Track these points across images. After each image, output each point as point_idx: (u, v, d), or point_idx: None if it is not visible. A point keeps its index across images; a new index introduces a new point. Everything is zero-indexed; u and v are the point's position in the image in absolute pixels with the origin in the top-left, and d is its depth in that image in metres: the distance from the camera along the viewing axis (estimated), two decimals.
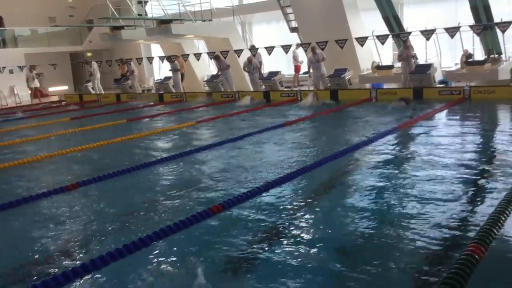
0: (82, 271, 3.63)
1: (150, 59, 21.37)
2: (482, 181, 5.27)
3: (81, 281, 3.53)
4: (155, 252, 3.95)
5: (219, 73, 17.96)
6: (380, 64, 16.05)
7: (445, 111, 10.85)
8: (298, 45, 17.30)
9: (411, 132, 8.66)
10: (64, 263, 3.93)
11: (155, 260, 3.82)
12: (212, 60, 18.72)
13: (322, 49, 15.09)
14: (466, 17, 14.25)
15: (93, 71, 21.29)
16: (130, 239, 4.06)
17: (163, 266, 3.74)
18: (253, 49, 17.64)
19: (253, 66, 16.88)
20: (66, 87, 26.07)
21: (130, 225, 4.74)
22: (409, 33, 14.61)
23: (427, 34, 13.63)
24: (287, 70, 19.57)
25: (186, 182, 6.19)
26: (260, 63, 17.74)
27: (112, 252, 3.83)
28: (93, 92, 21.18)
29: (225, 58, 17.42)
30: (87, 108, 17.88)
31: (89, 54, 26.79)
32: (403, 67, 14.56)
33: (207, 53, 18.86)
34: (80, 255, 4.07)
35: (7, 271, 3.86)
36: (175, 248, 4.04)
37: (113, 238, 4.39)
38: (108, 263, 3.71)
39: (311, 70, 15.81)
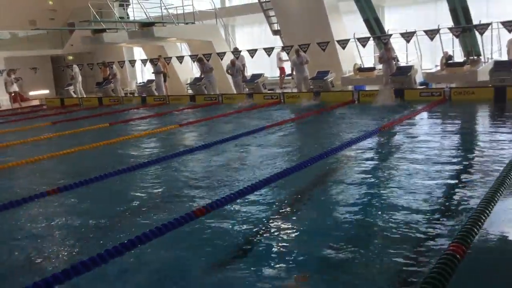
0: (63, 277, 3.58)
1: (132, 62, 21.24)
2: (462, 180, 5.35)
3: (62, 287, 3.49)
4: (138, 256, 3.92)
5: (202, 76, 17.92)
6: (362, 66, 16.19)
7: (426, 112, 10.99)
8: (282, 48, 17.32)
9: (393, 132, 8.74)
10: (45, 268, 3.87)
11: (136, 264, 3.79)
12: (195, 62, 18.67)
13: (305, 52, 15.18)
14: (445, 20, 14.47)
15: (74, 74, 21.06)
16: (114, 242, 4.03)
17: (145, 270, 3.71)
18: (236, 52, 17.65)
19: (236, 68, 16.88)
20: (47, 91, 25.74)
21: (113, 229, 4.70)
22: (390, 35, 14.78)
23: (407, 36, 13.83)
24: (270, 72, 19.61)
25: (169, 185, 6.17)
26: (244, 65, 17.75)
27: (95, 256, 3.80)
28: (74, 96, 20.95)
29: (208, 61, 17.39)
30: (68, 112, 17.66)
31: (70, 57, 26.49)
32: (384, 69, 14.72)
33: (190, 55, 18.82)
34: (62, 260, 4.02)
35: None
36: (160, 251, 4.01)
37: (96, 242, 4.34)
38: (90, 268, 3.67)
39: (294, 73, 15.88)
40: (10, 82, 21.16)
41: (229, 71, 17.20)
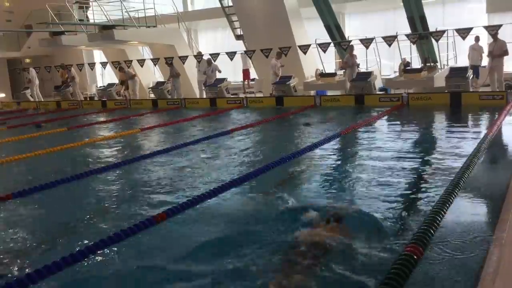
0: (17, 285, 3.45)
1: (92, 65, 20.78)
2: (418, 182, 5.47)
3: None
4: (97, 262, 3.82)
5: (168, 81, 17.72)
6: (324, 72, 16.41)
7: (385, 116, 11.22)
8: (245, 53, 17.27)
9: (353, 136, 8.87)
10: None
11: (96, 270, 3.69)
12: (156, 66, 18.46)
13: (266, 56, 15.30)
14: (404, 27, 14.87)
15: (31, 78, 20.43)
16: (71, 249, 3.91)
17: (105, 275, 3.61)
18: (199, 56, 17.56)
19: (212, 68, 16.85)
20: (3, 95, 24.86)
21: (70, 235, 4.56)
22: (350, 41, 15.06)
23: (366, 42, 14.13)
24: (233, 77, 19.60)
25: (129, 190, 6.04)
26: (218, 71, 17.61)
27: (53, 263, 3.68)
28: (32, 99, 20.32)
29: (171, 64, 17.26)
30: (24, 116, 17.11)
31: (28, 60, 25.70)
32: (348, 74, 14.97)
33: (152, 59, 18.60)
34: (20, 265, 3.88)
35: None
36: (119, 258, 3.92)
37: (54, 249, 4.20)
38: (47, 275, 3.56)
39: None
40: None
41: (201, 70, 17.11)
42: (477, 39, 14.26)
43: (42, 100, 20.48)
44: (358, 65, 15.34)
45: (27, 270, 3.73)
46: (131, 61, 18.68)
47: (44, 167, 7.72)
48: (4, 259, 4.08)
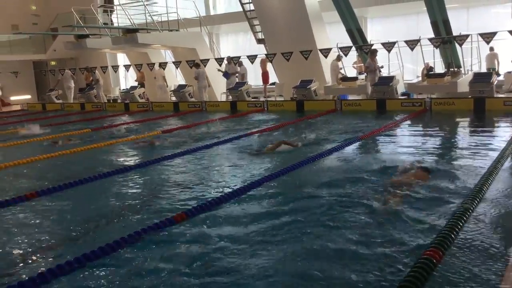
0: (40, 280, 3.55)
1: (115, 68, 21.13)
2: (440, 187, 5.40)
3: None
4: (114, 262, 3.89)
5: (195, 81, 17.97)
6: (345, 76, 16.35)
7: (407, 121, 11.13)
8: (266, 56, 17.30)
9: (373, 141, 8.82)
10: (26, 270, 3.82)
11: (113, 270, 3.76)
12: (178, 69, 18.63)
13: (287, 60, 15.32)
14: (427, 32, 14.73)
15: (98, 78, 20.62)
16: (92, 246, 4.00)
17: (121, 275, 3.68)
18: (233, 58, 17.62)
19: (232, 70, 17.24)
20: (29, 96, 25.44)
21: (92, 233, 4.65)
22: (371, 45, 14.99)
23: (388, 46, 14.03)
24: (254, 81, 19.67)
25: (152, 189, 6.14)
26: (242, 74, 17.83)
27: (75, 259, 3.77)
28: (96, 100, 20.54)
29: (191, 68, 17.45)
30: (50, 117, 17.46)
31: (53, 62, 26.25)
32: (370, 79, 14.90)
33: (174, 62, 18.80)
34: (42, 262, 3.97)
35: None
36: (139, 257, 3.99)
37: (76, 246, 4.30)
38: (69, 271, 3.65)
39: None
40: None
41: (226, 70, 17.54)
42: (491, 49, 15.32)
43: (106, 100, 20.80)
44: (379, 69, 15.24)
45: (46, 267, 3.82)
46: (154, 63, 18.90)
47: (69, 167, 7.88)
48: (28, 256, 4.19)
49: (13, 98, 24.47)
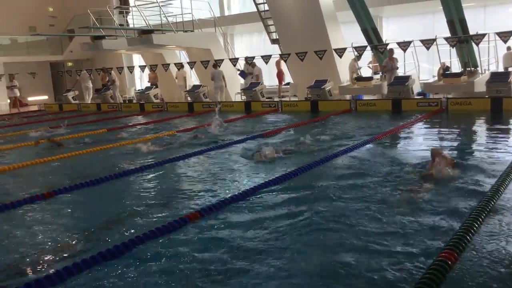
0: (57, 278, 3.60)
1: (131, 68, 21.32)
2: (456, 188, 5.35)
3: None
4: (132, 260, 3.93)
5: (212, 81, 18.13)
6: (360, 76, 16.26)
7: (423, 121, 11.03)
8: (280, 56, 17.31)
9: (389, 141, 8.76)
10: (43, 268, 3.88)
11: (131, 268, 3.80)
12: (193, 70, 18.71)
13: (302, 60, 15.27)
14: (444, 31, 14.58)
15: (114, 79, 20.90)
16: (109, 244, 4.05)
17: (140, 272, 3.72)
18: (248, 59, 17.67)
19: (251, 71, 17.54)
20: (46, 97, 25.78)
21: (109, 231, 4.70)
22: (387, 44, 14.88)
23: (404, 45, 13.91)
24: (268, 81, 19.68)
25: (166, 189, 6.19)
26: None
27: (91, 258, 3.82)
28: (111, 100, 20.81)
29: (205, 68, 17.50)
30: (67, 117, 17.68)
31: (70, 63, 26.57)
32: (388, 78, 14.80)
33: (188, 62, 18.90)
34: (58, 261, 4.03)
35: None
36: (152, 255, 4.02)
37: (91, 244, 4.35)
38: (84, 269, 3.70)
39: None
40: (11, 88, 21.38)
41: (244, 70, 17.75)
42: (508, 48, 15.11)
43: (122, 101, 21.06)
44: (397, 68, 15.11)
45: (62, 265, 3.88)
46: (169, 64, 19.02)
47: (86, 167, 7.97)
48: (45, 254, 4.25)
49: (30, 98, 24.83)
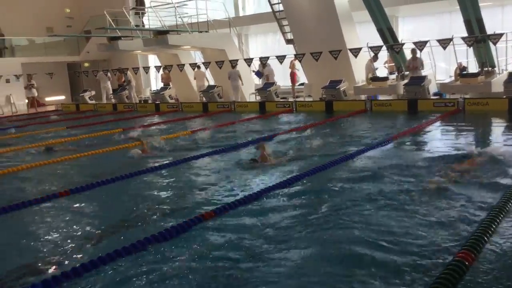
0: (73, 274, 3.65)
1: (146, 69, 21.47)
2: (472, 188, 5.30)
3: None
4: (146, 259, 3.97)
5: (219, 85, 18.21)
6: (375, 76, 16.15)
7: (439, 122, 10.93)
8: (295, 57, 17.29)
9: (404, 142, 8.69)
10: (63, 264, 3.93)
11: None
12: (208, 70, 18.78)
13: (316, 60, 15.22)
14: (460, 31, 14.40)
15: (130, 79, 21.22)
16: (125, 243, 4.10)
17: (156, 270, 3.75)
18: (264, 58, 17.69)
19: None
20: (63, 97, 26.10)
21: (126, 230, 4.75)
22: (403, 44, 14.76)
23: (420, 45, 13.78)
24: (283, 81, 19.65)
25: (181, 187, 6.24)
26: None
27: (107, 255, 3.87)
28: (127, 101, 21.05)
29: (220, 68, 17.56)
30: (84, 117, 17.89)
31: (86, 64, 26.85)
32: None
33: (204, 63, 18.96)
34: (76, 256, 4.09)
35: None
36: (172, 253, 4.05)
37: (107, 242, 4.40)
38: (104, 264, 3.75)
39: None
40: (29, 88, 21.73)
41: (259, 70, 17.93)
42: None
43: (138, 101, 21.26)
44: (422, 67, 14.91)
45: (80, 261, 3.94)
46: (183, 65, 19.11)
47: (101, 166, 8.06)
48: (62, 252, 4.31)
49: (48, 98, 25.14)
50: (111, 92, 21.99)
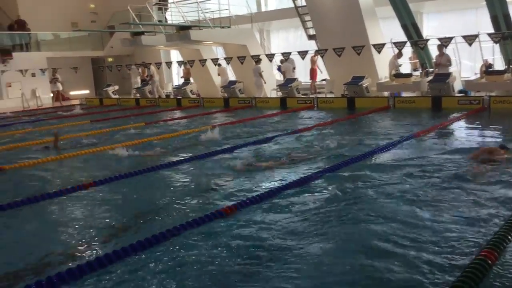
0: (98, 265, 3.72)
1: (169, 64, 21.64)
2: (497, 188, 5.21)
3: (96, 276, 3.61)
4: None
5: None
6: (399, 72, 15.95)
7: (463, 119, 10.76)
8: (317, 52, 17.20)
9: (427, 139, 8.59)
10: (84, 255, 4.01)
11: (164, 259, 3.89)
12: (229, 66, 18.84)
13: (339, 56, 15.10)
14: (486, 27, 14.11)
15: (152, 74, 21.55)
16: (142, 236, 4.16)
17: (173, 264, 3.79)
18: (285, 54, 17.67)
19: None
20: (87, 91, 26.51)
21: (145, 222, 4.82)
22: (427, 40, 14.54)
23: (445, 42, 13.55)
24: (304, 77, 19.58)
25: (199, 184, 6.29)
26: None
27: (120, 250, 3.93)
28: (113, 96, 21.42)
29: (242, 64, 17.58)
30: (107, 111, 18.14)
31: (110, 59, 27.19)
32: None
33: (225, 58, 19.02)
34: (93, 251, 4.17)
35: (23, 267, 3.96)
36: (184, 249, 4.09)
37: (127, 236, 4.47)
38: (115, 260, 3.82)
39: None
40: (53, 82, 22.16)
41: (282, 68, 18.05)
42: None
43: (163, 96, 21.54)
44: (449, 63, 14.66)
45: (100, 253, 4.01)
46: (205, 60, 19.20)
47: (124, 159, 8.16)
48: (83, 243, 4.40)
49: (72, 93, 25.57)
50: (136, 86, 22.25)
